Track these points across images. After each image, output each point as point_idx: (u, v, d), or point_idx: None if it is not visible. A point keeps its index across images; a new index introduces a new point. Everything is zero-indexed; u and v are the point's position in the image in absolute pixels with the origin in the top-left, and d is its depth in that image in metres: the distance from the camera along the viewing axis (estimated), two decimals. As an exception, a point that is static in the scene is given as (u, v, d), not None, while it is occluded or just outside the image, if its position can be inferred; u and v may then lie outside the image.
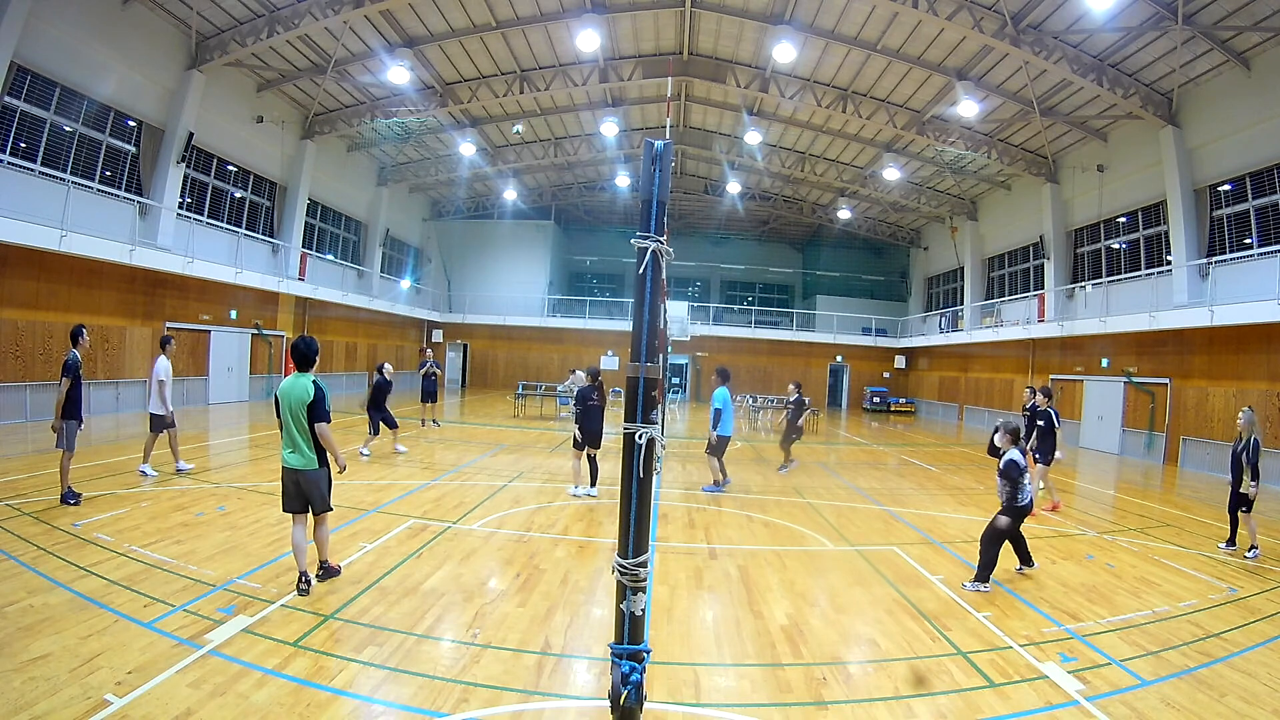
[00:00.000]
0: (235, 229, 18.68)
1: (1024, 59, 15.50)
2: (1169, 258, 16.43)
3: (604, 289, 37.02)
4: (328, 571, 5.29)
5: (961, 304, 26.52)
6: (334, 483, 5.27)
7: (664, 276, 3.17)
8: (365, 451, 11.31)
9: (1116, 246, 18.94)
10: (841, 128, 22.51)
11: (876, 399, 30.17)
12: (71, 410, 6.97)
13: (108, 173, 14.93)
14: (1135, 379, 17.07)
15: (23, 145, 13.03)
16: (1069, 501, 10.39)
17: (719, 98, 22.29)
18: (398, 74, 18.06)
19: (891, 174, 23.79)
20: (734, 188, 28.57)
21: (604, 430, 9.10)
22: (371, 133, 23.64)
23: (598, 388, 9.00)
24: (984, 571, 5.86)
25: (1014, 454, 5.91)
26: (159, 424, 8.63)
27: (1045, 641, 4.79)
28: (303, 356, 5.04)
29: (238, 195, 19.23)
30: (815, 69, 18.84)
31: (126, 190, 15.31)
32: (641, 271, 2.85)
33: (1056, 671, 4.28)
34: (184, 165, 16.25)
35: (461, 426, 16.62)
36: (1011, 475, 5.85)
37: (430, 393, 15.74)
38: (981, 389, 24.79)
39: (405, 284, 28.76)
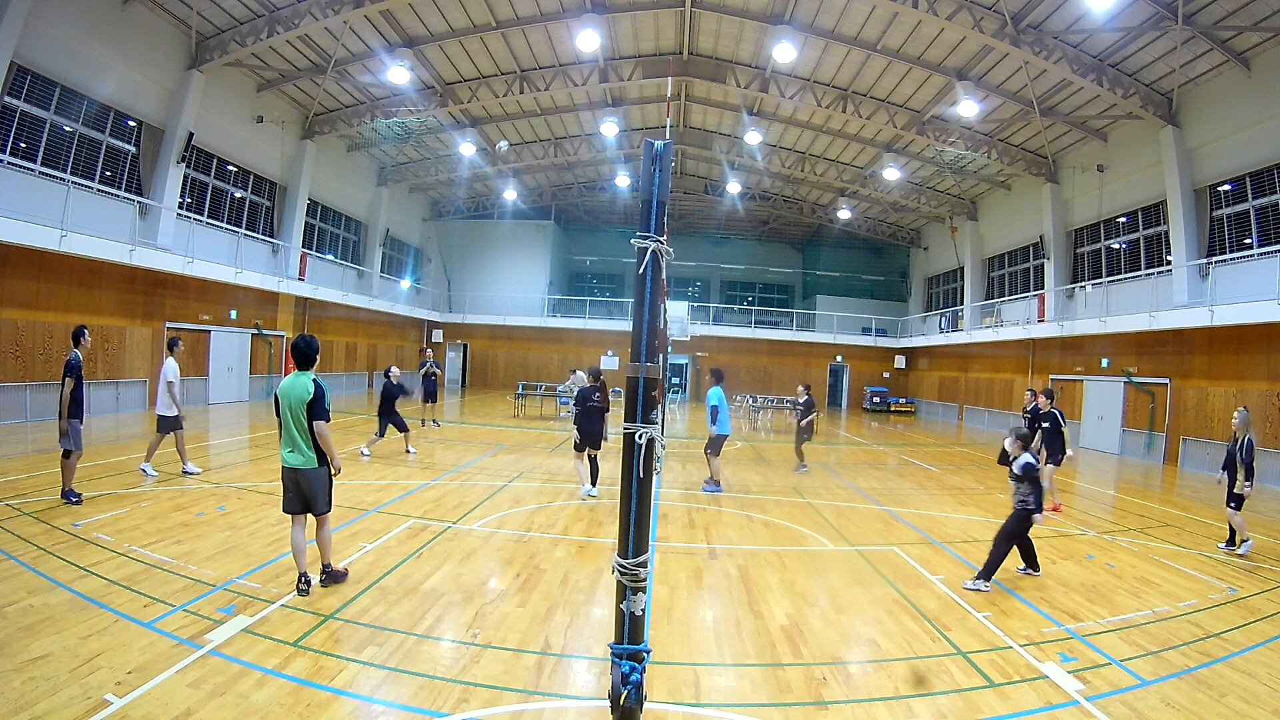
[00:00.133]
0: (235, 229, 18.68)
1: (1024, 59, 15.50)
2: (1169, 258, 16.43)
3: (604, 289, 37.02)
4: (331, 575, 5.17)
5: (961, 304, 26.52)
6: (334, 483, 5.22)
7: (664, 276, 3.17)
8: (366, 452, 11.32)
9: (1116, 246, 18.94)
10: (841, 128, 22.51)
11: (876, 399, 30.17)
12: (74, 410, 7.02)
13: (108, 173, 14.93)
14: (1135, 379, 17.07)
15: (23, 145, 13.03)
16: (1069, 502, 10.39)
17: (719, 98, 22.29)
18: (398, 74, 18.07)
19: (891, 174, 23.79)
20: (734, 188, 28.56)
21: (605, 431, 9.01)
22: (371, 133, 23.64)
23: (599, 388, 8.89)
24: (988, 570, 5.88)
25: (1027, 456, 6.01)
26: (166, 425, 8.64)
27: (1045, 641, 4.79)
28: (303, 355, 5.02)
29: (238, 195, 19.23)
30: (815, 69, 18.84)
31: (126, 190, 15.31)
32: (641, 271, 2.85)
33: (1056, 671, 4.28)
34: (184, 165, 16.25)
35: (461, 426, 16.62)
36: (1030, 475, 5.94)
37: (430, 393, 15.75)
38: (981, 389, 24.79)
39: (405, 284, 28.76)
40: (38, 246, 12.28)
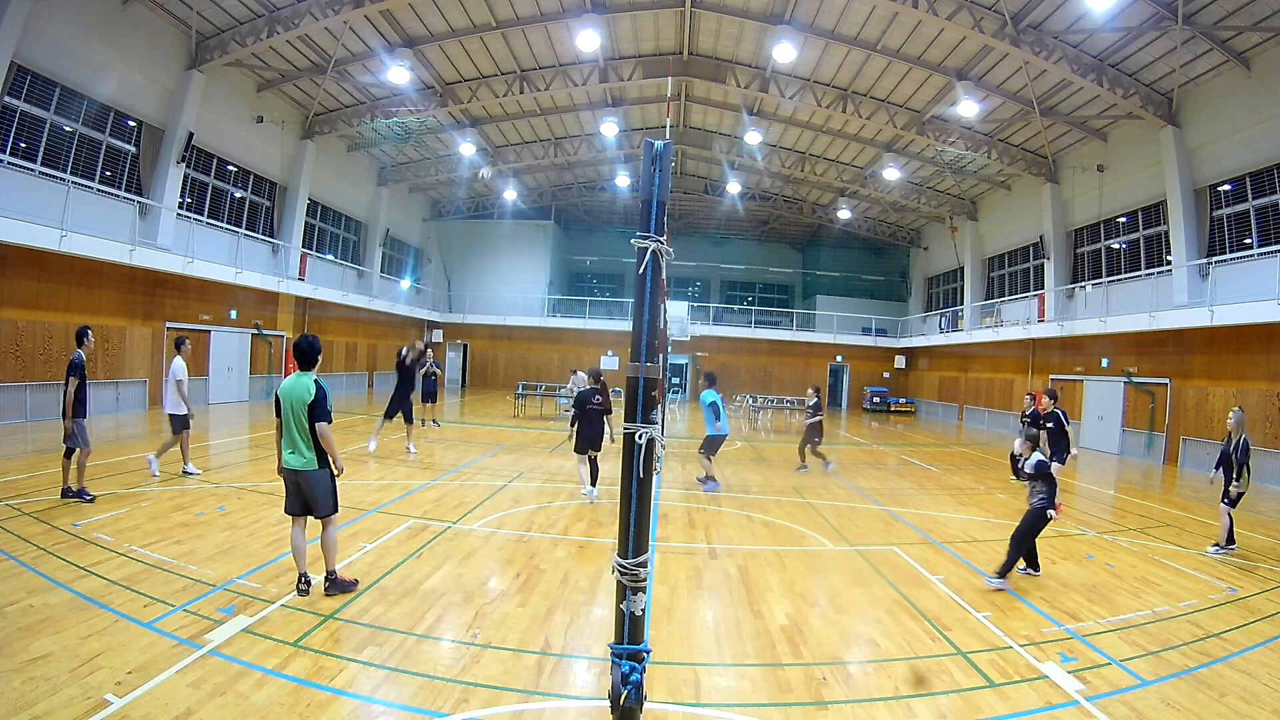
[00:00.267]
0: (235, 229, 18.68)
1: (1024, 59, 15.50)
2: (1169, 258, 16.43)
3: (604, 289, 37.02)
4: (334, 584, 4.95)
5: (961, 304, 26.52)
6: (337, 484, 5.11)
7: (664, 276, 3.17)
8: (372, 445, 11.47)
9: (1116, 246, 18.94)
10: (841, 128, 22.51)
11: (876, 399, 30.17)
12: (78, 409, 7.07)
13: (108, 173, 14.93)
14: (1135, 379, 17.07)
15: (23, 145, 13.03)
16: (1069, 502, 10.39)
17: (719, 98, 22.29)
18: (398, 74, 18.07)
19: (891, 174, 23.79)
20: (734, 188, 28.56)
21: (612, 432, 8.85)
22: (371, 133, 23.64)
23: (599, 390, 8.75)
24: (1006, 568, 5.95)
25: (1038, 455, 6.11)
26: (180, 424, 8.65)
27: (1045, 641, 4.79)
28: (304, 355, 4.95)
29: (238, 195, 19.23)
30: (815, 69, 18.84)
31: (126, 190, 15.31)
32: (641, 271, 2.85)
33: (1056, 671, 4.28)
34: (184, 165, 16.25)
35: (461, 426, 16.62)
36: (1043, 472, 6.01)
37: (430, 393, 15.74)
38: (981, 389, 24.79)
39: (405, 284, 28.76)
40: (38, 246, 12.28)
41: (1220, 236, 15.24)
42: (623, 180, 28.77)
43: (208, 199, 17.98)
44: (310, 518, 4.99)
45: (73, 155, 13.96)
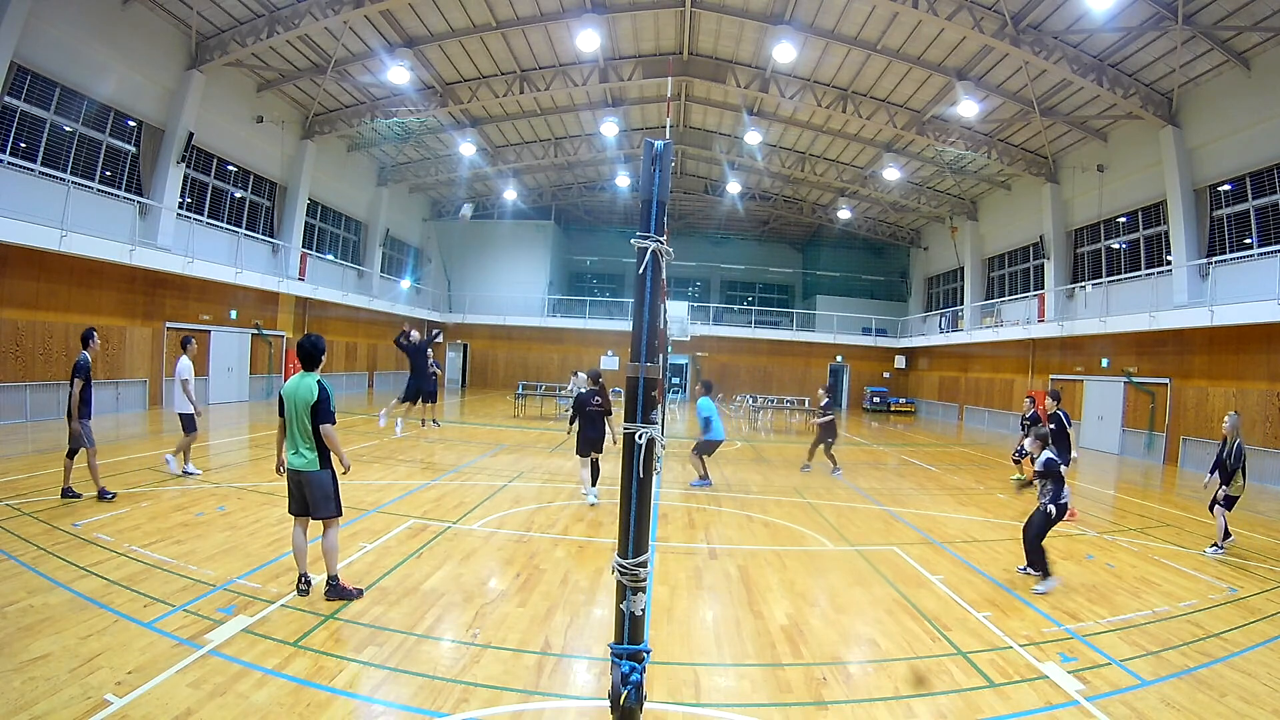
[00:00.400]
0: (235, 229, 18.68)
1: (1024, 59, 15.50)
2: (1169, 258, 16.43)
3: (604, 289, 37.01)
4: (335, 590, 4.85)
5: (961, 304, 26.52)
6: (339, 486, 5.02)
7: (664, 276, 3.17)
8: (398, 429, 12.22)
9: (1116, 246, 18.94)
10: (841, 128, 22.51)
11: (876, 399, 30.16)
12: (83, 410, 7.11)
13: (108, 173, 14.93)
14: (1135, 379, 17.07)
15: (23, 145, 13.03)
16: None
17: (719, 98, 22.29)
18: (398, 74, 18.07)
19: (891, 174, 23.78)
20: (734, 188, 28.56)
21: (614, 435, 8.70)
22: (371, 133, 23.63)
23: (598, 391, 8.65)
24: (1041, 569, 5.97)
25: (1048, 453, 6.15)
26: (190, 423, 8.66)
27: (1045, 641, 4.79)
28: (308, 355, 4.91)
29: (238, 195, 19.23)
30: (815, 69, 18.84)
31: (126, 190, 15.31)
32: (641, 271, 2.85)
33: (1056, 671, 4.28)
34: (184, 165, 16.25)
35: (461, 426, 16.62)
36: (1052, 470, 6.04)
37: (430, 393, 15.71)
38: (981, 389, 24.79)
39: (405, 284, 28.76)
40: (38, 246, 12.28)
41: (1220, 236, 15.24)
42: (623, 180, 28.77)
43: (208, 199, 17.98)
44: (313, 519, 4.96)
45: (73, 155, 13.96)
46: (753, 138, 23.70)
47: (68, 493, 7.08)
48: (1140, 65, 15.25)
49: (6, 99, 12.44)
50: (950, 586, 5.94)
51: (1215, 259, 15.04)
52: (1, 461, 8.91)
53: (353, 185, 25.02)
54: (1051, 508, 5.98)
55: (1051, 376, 20.31)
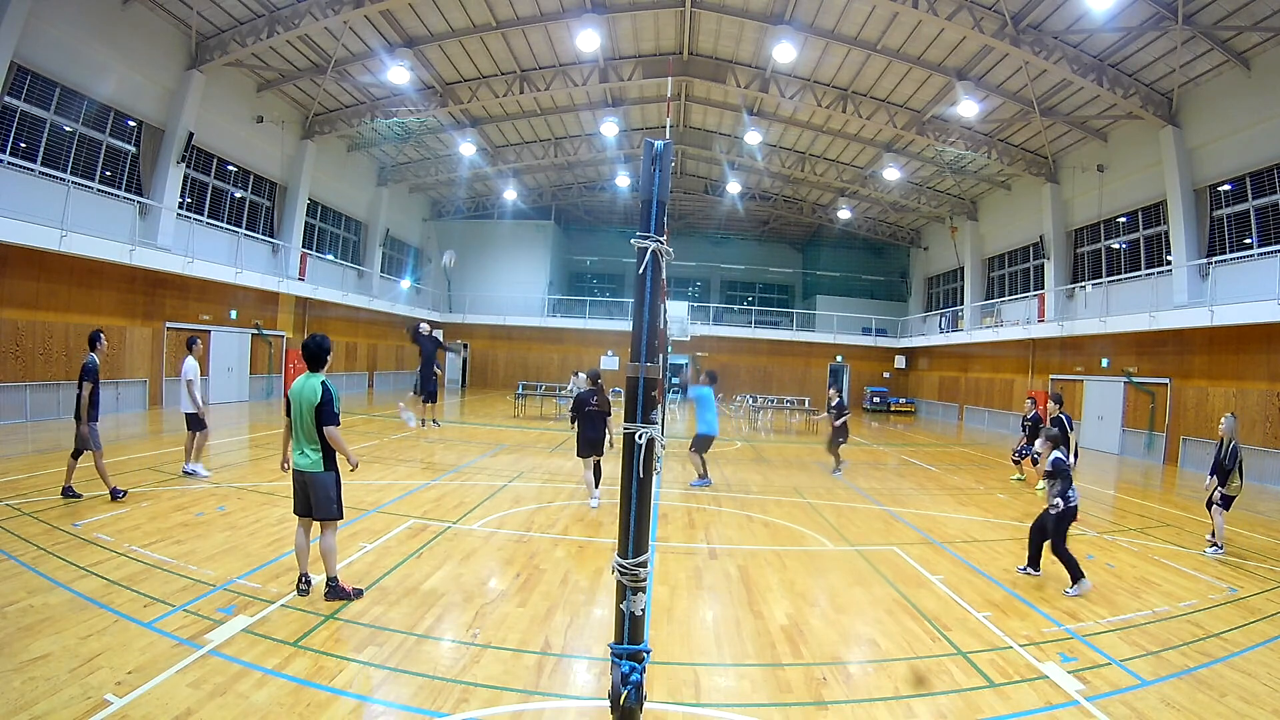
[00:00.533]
0: (235, 229, 18.68)
1: (1024, 59, 15.50)
2: (1169, 258, 16.43)
3: (604, 289, 37.01)
4: (335, 591, 4.84)
5: (961, 304, 26.52)
6: (342, 488, 4.99)
7: (664, 276, 3.17)
8: (405, 417, 12.86)
9: (1116, 246, 18.95)
10: (841, 128, 22.51)
11: (876, 399, 30.16)
12: (92, 412, 7.12)
13: (108, 173, 14.93)
14: (1135, 379, 17.07)
15: (23, 145, 13.03)
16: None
17: (719, 98, 22.29)
18: (398, 74, 18.07)
19: (891, 174, 23.79)
20: (734, 188, 28.56)
21: (611, 437, 8.69)
22: (371, 133, 23.63)
23: (597, 391, 8.57)
24: (1074, 573, 5.91)
25: (1057, 453, 6.16)
26: (195, 423, 8.67)
27: (1045, 641, 4.79)
28: (313, 355, 4.86)
29: (238, 195, 19.23)
30: (815, 69, 18.84)
31: (126, 190, 15.31)
32: (641, 271, 2.85)
33: (1056, 671, 4.28)
34: (184, 165, 16.25)
35: (461, 426, 16.62)
36: (1061, 470, 6.05)
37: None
38: (981, 389, 24.79)
39: (405, 284, 28.76)
40: (38, 246, 12.28)
41: (1220, 236, 15.24)
42: (623, 180, 28.77)
43: (208, 199, 17.98)
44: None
45: (73, 155, 13.96)
46: (753, 138, 23.70)
47: (68, 492, 7.09)
48: (1140, 65, 15.25)
49: (6, 99, 12.44)
50: (950, 586, 5.94)
51: (1215, 259, 15.04)
52: (1, 461, 8.91)
53: (353, 185, 25.02)
54: (1058, 500, 5.98)
55: (1051, 376, 20.31)
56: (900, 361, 31.01)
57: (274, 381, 20.13)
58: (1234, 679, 4.29)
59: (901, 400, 30.20)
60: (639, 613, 2.84)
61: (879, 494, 10.43)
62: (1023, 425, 12.01)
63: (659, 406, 3.59)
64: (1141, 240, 17.91)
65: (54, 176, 13.42)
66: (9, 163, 12.67)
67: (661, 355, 3.89)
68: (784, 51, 16.99)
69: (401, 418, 13.47)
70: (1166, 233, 16.41)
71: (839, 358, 31.29)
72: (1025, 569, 6.39)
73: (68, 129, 13.81)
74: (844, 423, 12.29)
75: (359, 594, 4.96)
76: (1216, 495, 7.58)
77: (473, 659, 4.12)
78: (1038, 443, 6.43)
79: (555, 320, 31.11)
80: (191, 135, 16.14)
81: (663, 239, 2.91)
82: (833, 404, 12.60)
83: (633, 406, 2.87)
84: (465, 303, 31.44)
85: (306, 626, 4.39)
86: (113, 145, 14.94)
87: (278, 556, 5.68)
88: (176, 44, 15.74)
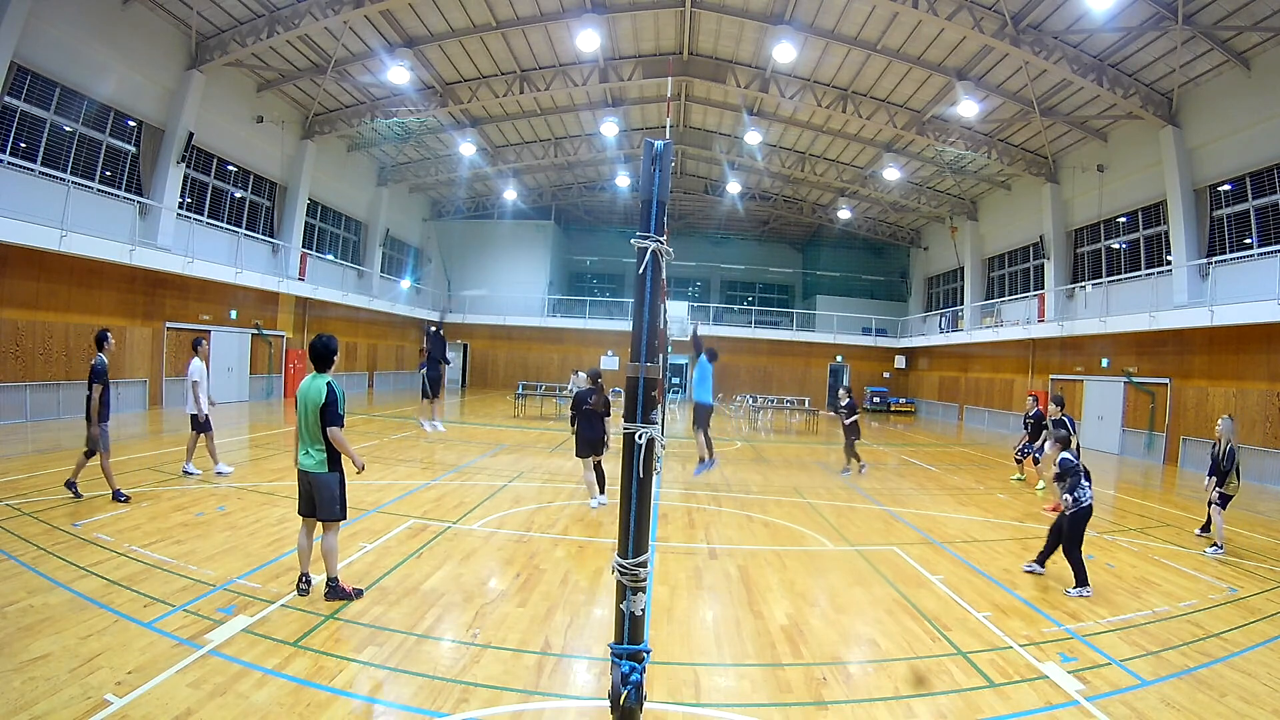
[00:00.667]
0: (235, 229, 18.68)
1: (1024, 59, 15.50)
2: (1169, 258, 16.43)
3: (604, 289, 37.01)
4: (335, 591, 4.84)
5: (961, 304, 26.52)
6: (346, 489, 4.98)
7: (664, 276, 3.17)
8: (428, 426, 13.13)
9: (1116, 246, 18.94)
10: (841, 128, 22.51)
11: (876, 399, 30.16)
12: (102, 413, 7.12)
13: (108, 173, 14.93)
14: (1135, 379, 17.07)
15: (23, 145, 13.03)
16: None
17: (719, 98, 22.29)
18: (398, 74, 18.07)
19: (891, 174, 23.79)
20: (734, 188, 28.56)
21: (608, 438, 8.64)
22: (371, 133, 23.63)
23: (596, 390, 8.51)
24: (1080, 578, 5.93)
25: (1065, 454, 6.20)
26: (199, 424, 8.67)
27: (1045, 641, 4.80)
28: (319, 356, 4.83)
29: (238, 195, 19.23)
30: (815, 69, 18.84)
31: (126, 190, 15.31)
32: (641, 271, 2.85)
33: (1056, 671, 4.28)
34: (184, 165, 16.25)
35: (461, 426, 16.62)
36: (1069, 469, 6.08)
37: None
38: (981, 389, 24.79)
39: (405, 284, 28.77)
40: (38, 246, 12.28)
41: (1220, 236, 15.24)
42: (623, 180, 28.77)
43: (208, 199, 17.98)
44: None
45: (73, 155, 13.96)
46: (753, 138, 23.70)
47: (71, 485, 7.12)
48: (1140, 65, 15.25)
49: (6, 99, 12.44)
50: (950, 586, 5.94)
51: (1215, 259, 15.04)
52: (1, 461, 8.91)
53: (353, 185, 25.02)
54: (1068, 497, 5.97)
55: (1051, 376, 20.31)
56: (900, 361, 31.01)
57: (274, 381, 20.13)
58: (1234, 679, 4.29)
59: (901, 400, 30.19)
60: (639, 613, 2.84)
61: (879, 494, 10.43)
62: (1025, 423, 12.01)
63: (659, 406, 3.59)
64: (1141, 240, 17.91)
65: (54, 176, 13.42)
66: (9, 163, 12.67)
67: (661, 355, 3.89)
68: (784, 51, 16.99)
69: (426, 429, 13.83)
70: (1166, 233, 16.41)
71: (839, 358, 31.29)
72: (1031, 565, 6.40)
73: (68, 129, 13.81)
74: (854, 422, 12.26)
75: (359, 594, 4.96)
76: (1215, 494, 7.64)
77: (473, 659, 4.12)
78: (1047, 445, 6.46)
79: (555, 320, 31.12)
80: (191, 135, 16.14)
81: (663, 239, 2.91)
82: (843, 403, 12.55)
83: (633, 406, 2.87)
84: (465, 303, 31.44)
85: (307, 626, 4.39)
86: (113, 145, 14.94)
87: (278, 556, 5.69)
88: (176, 44, 15.73)
